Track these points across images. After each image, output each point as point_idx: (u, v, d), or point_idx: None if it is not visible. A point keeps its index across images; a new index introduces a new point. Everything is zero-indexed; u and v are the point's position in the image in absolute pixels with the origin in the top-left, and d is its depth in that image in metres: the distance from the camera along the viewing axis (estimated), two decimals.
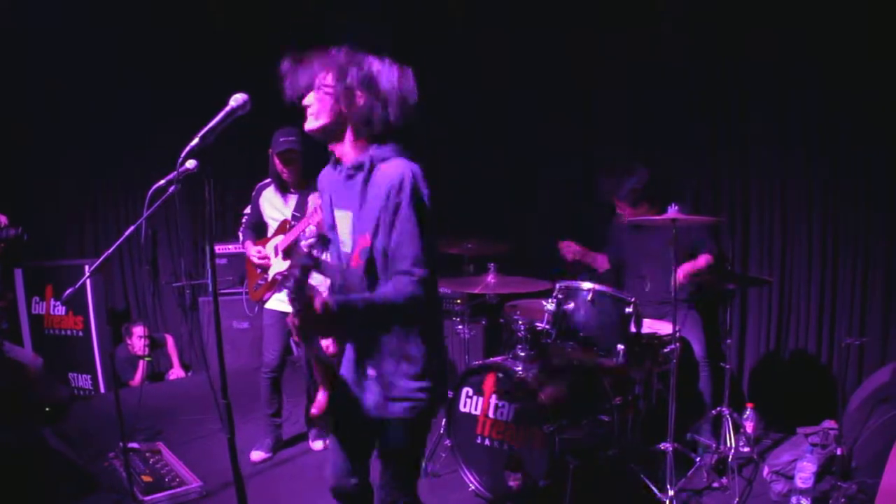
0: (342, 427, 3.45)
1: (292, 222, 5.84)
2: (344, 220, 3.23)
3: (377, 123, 3.03)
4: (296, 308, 2.70)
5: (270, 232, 6.01)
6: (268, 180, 5.99)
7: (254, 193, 6.13)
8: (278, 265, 5.89)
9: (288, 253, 5.85)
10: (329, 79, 3.03)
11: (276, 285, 5.96)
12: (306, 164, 5.77)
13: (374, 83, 3.01)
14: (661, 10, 6.86)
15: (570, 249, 6.35)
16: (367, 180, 3.06)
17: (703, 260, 5.86)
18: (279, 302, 6.00)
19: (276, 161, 5.75)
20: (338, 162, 3.21)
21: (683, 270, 5.78)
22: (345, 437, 3.49)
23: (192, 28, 8.98)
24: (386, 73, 3.03)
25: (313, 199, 5.78)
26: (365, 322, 3.04)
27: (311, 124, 3.10)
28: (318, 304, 2.70)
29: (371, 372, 3.22)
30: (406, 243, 2.96)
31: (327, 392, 3.27)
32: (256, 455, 6.05)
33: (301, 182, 5.87)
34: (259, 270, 6.03)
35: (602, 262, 6.51)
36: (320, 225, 5.48)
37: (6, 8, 7.84)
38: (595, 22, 7.39)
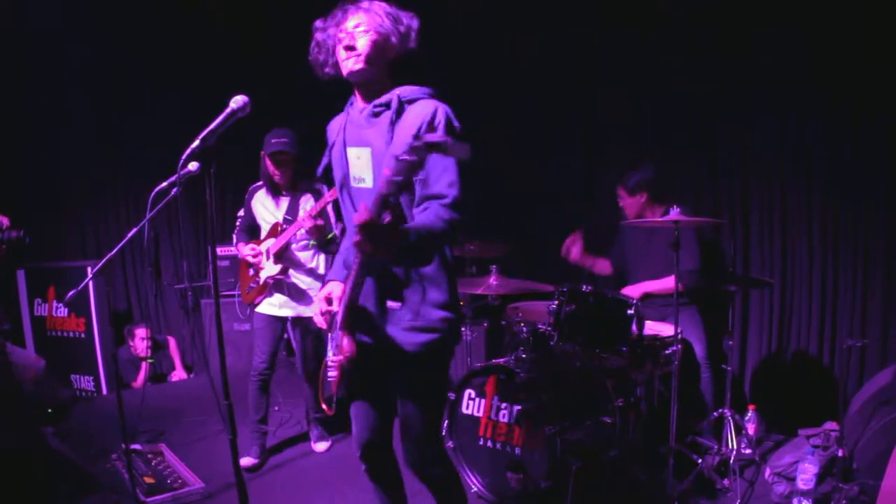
0: (366, 374, 3.47)
1: (283, 225, 5.79)
2: (362, 157, 3.33)
3: (404, 60, 3.28)
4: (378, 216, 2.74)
5: (263, 234, 5.98)
6: (260, 182, 5.95)
7: (247, 195, 6.09)
8: (270, 268, 5.83)
9: (279, 256, 5.80)
10: (383, 19, 3.21)
11: (267, 289, 5.92)
12: (298, 166, 5.76)
13: (402, 24, 3.27)
14: (661, 11, 6.85)
15: (575, 248, 6.34)
16: (396, 118, 3.21)
17: (667, 282, 5.84)
18: (270, 306, 5.96)
19: (268, 163, 5.72)
20: (358, 104, 3.40)
21: (641, 288, 5.84)
22: (369, 385, 3.55)
23: (193, 28, 8.99)
24: (405, 14, 3.30)
25: (305, 202, 5.78)
26: (423, 245, 3.12)
27: (358, 66, 3.21)
28: (393, 225, 2.79)
29: (394, 304, 3.29)
30: (440, 169, 3.11)
31: (352, 338, 3.25)
32: (246, 461, 5.98)
33: (293, 184, 5.85)
34: (251, 272, 5.99)
35: (603, 267, 6.51)
36: (315, 230, 5.51)
37: (6, 8, 7.85)
38: (596, 22, 7.40)
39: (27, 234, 5.08)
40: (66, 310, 8.64)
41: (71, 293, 4.72)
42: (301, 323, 6.00)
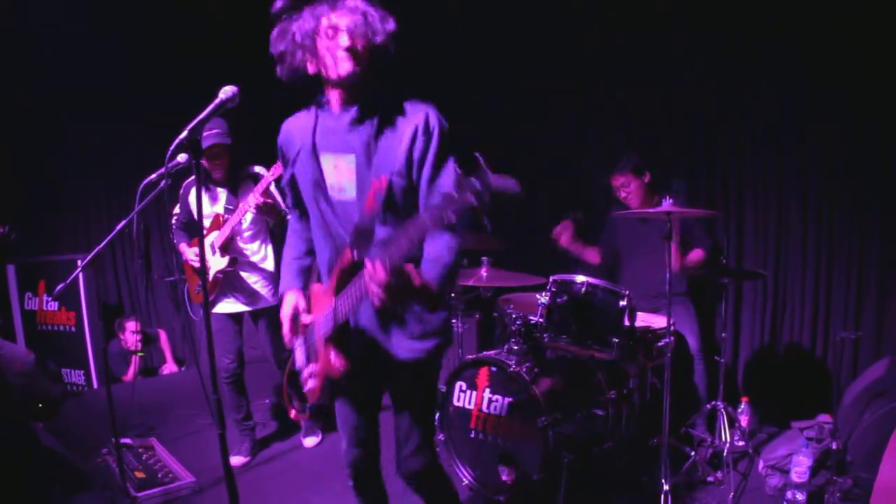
0: (355, 387, 3.42)
1: (225, 216, 5.63)
2: (341, 166, 3.16)
3: (388, 61, 3.11)
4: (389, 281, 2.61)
5: (204, 231, 5.75)
6: (193, 177, 5.57)
7: (181, 192, 5.88)
8: (216, 263, 5.66)
9: (225, 248, 5.65)
10: (372, 19, 3.04)
11: (217, 285, 5.75)
12: (234, 156, 5.64)
13: (388, 25, 3.08)
14: (660, 11, 6.83)
15: (565, 235, 6.33)
16: (380, 124, 3.07)
17: (696, 254, 5.85)
18: (228, 304, 5.85)
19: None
20: (332, 109, 3.18)
21: (678, 262, 5.79)
22: (358, 398, 3.49)
23: (191, 27, 8.95)
24: (387, 16, 3.10)
25: (246, 190, 5.54)
26: (447, 282, 3.05)
27: (351, 67, 3.00)
28: (416, 280, 2.71)
29: (396, 316, 3.22)
30: (444, 174, 3.03)
31: (339, 353, 3.14)
32: (236, 460, 5.94)
33: (229, 176, 5.71)
34: (198, 272, 5.82)
35: (592, 256, 6.49)
36: (268, 208, 5.37)
37: (5, 8, 7.82)
38: (593, 21, 7.38)
39: (13, 231, 5.05)
40: (57, 304, 8.63)
41: (59, 286, 4.70)
42: (262, 315, 5.90)
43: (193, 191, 5.74)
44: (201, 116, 2.79)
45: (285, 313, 3.36)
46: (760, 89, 6.42)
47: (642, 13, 6.97)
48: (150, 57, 8.85)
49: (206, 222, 5.74)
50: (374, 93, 3.10)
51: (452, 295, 6.15)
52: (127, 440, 6.02)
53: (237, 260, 5.71)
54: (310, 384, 3.27)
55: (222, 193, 5.73)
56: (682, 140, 7.01)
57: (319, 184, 3.20)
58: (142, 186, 4.14)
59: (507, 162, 7.17)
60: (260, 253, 5.88)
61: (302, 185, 3.31)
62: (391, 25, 3.08)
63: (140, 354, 8.74)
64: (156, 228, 9.62)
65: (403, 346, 3.22)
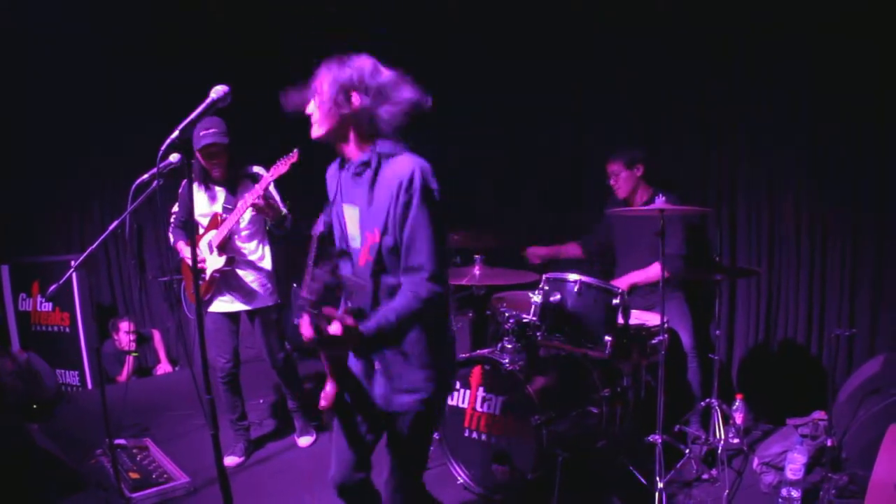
0: (350, 420, 3.46)
1: (223, 215, 5.60)
2: (353, 216, 3.25)
3: (378, 122, 3.07)
4: (315, 331, 2.77)
5: (202, 230, 5.76)
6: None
7: (180, 190, 5.83)
8: (214, 262, 5.65)
9: (223, 247, 5.63)
10: (325, 86, 3.06)
11: (214, 284, 5.75)
12: (232, 156, 5.58)
13: (368, 82, 3.05)
14: (659, 11, 6.83)
15: (535, 255, 6.39)
16: (374, 177, 3.09)
17: (652, 271, 5.82)
18: (223, 304, 5.83)
19: (199, 157, 5.44)
20: (345, 161, 3.26)
21: (628, 280, 5.82)
22: (352, 431, 3.50)
23: (190, 27, 8.93)
24: (380, 71, 3.09)
25: (245, 190, 5.52)
26: (390, 338, 3.07)
27: (315, 132, 3.13)
28: (333, 329, 2.79)
29: (377, 365, 3.27)
30: (418, 239, 2.99)
31: (336, 384, 3.25)
32: (230, 460, 5.93)
33: (228, 175, 5.66)
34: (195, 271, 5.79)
35: (573, 251, 6.50)
36: (269, 208, 5.37)
37: (4, 7, 7.80)
38: (592, 21, 7.39)
39: None
40: (51, 304, 8.61)
41: (52, 287, 4.69)
42: (258, 315, 5.91)
43: (193, 189, 5.72)
44: (192, 116, 2.80)
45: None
46: (755, 88, 6.42)
47: (641, 13, 6.97)
48: (141, 53, 8.85)
49: (205, 221, 5.72)
50: (375, 145, 3.11)
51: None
52: (121, 441, 6.02)
53: (234, 259, 5.70)
54: (321, 404, 3.34)
55: (221, 192, 5.70)
56: (676, 138, 7.01)
57: (343, 231, 3.34)
58: (134, 186, 4.11)
59: (506, 160, 7.21)
60: (257, 252, 5.86)
61: (335, 228, 3.42)
62: (374, 87, 3.06)
63: (134, 355, 8.73)
64: (149, 229, 9.59)
65: (381, 394, 3.29)
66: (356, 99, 3.03)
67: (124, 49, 8.80)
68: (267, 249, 5.92)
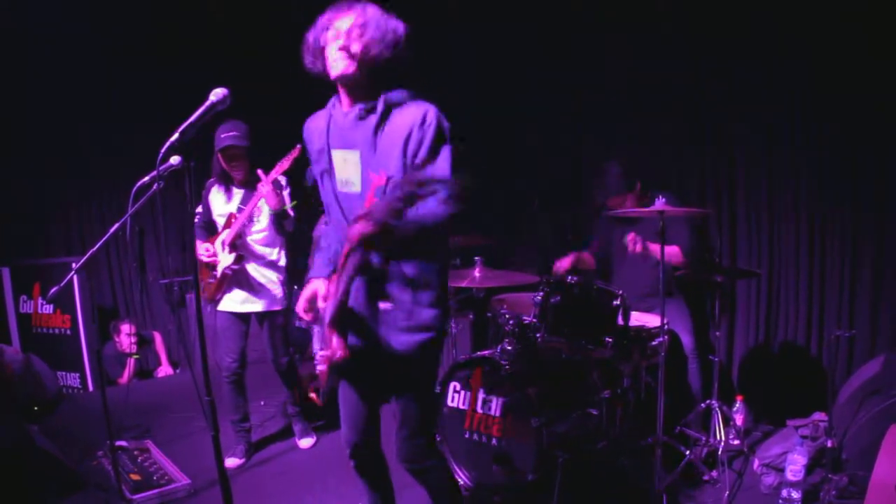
0: (356, 375, 3.52)
1: (237, 215, 5.68)
2: (349, 160, 3.31)
3: (391, 67, 3.20)
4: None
5: (219, 229, 5.84)
6: (215, 178, 5.83)
7: (204, 192, 5.95)
8: (225, 260, 5.70)
9: (234, 246, 5.68)
10: (366, 23, 3.13)
11: (226, 281, 5.79)
12: (253, 160, 5.64)
13: (393, 30, 3.19)
14: (658, 11, 6.84)
15: (563, 266, 6.34)
16: (381, 122, 3.20)
17: (669, 249, 5.82)
18: (232, 302, 5.86)
19: (220, 158, 5.61)
20: (342, 107, 3.34)
21: (641, 244, 5.77)
22: (359, 385, 3.57)
23: (189, 27, 8.94)
24: (392, 19, 3.22)
25: (263, 188, 5.60)
26: (412, 235, 3.10)
27: (342, 68, 3.15)
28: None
29: (384, 306, 3.30)
30: (435, 167, 3.10)
31: (340, 337, 3.20)
32: (231, 462, 5.95)
33: (249, 178, 5.70)
34: (207, 268, 5.86)
35: (587, 258, 6.50)
36: (274, 195, 5.40)
37: (4, 8, 7.81)
38: (592, 21, 7.40)
39: None
40: (52, 307, 8.62)
41: (53, 289, 4.68)
42: (267, 318, 5.94)
43: (214, 190, 5.86)
44: (192, 119, 2.82)
45: (304, 294, 3.46)
46: (753, 89, 6.42)
47: (640, 14, 6.97)
48: (147, 58, 8.86)
49: (221, 221, 5.81)
50: (381, 92, 3.20)
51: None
52: (122, 442, 6.02)
53: (243, 257, 5.75)
54: (319, 368, 3.37)
55: (238, 193, 5.79)
56: (676, 139, 7.01)
57: (331, 177, 3.38)
58: (135, 189, 4.12)
59: (505, 161, 7.23)
60: (273, 254, 5.92)
61: (319, 178, 3.47)
62: (397, 29, 3.19)
63: (135, 357, 8.73)
64: (150, 231, 9.61)
65: (394, 337, 3.30)
66: (389, 44, 3.15)
67: (124, 49, 8.81)
68: (283, 253, 5.97)
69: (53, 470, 5.39)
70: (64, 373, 8.67)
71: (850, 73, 5.81)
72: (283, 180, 5.64)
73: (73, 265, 4.73)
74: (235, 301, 5.85)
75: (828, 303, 6.27)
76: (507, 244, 6.69)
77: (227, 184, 5.77)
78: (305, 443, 6.29)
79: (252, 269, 5.82)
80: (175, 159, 3.74)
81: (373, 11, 3.17)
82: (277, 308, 5.94)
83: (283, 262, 5.94)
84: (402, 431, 3.49)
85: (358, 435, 3.62)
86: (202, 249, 5.77)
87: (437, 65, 7.71)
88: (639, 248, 5.59)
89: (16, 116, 8.62)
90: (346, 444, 3.66)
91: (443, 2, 8.20)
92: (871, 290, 6.01)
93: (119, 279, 9.69)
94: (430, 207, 2.99)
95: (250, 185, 5.70)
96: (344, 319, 3.21)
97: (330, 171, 3.38)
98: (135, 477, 5.45)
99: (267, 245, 5.87)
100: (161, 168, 3.13)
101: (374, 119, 3.19)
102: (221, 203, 5.81)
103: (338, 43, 3.11)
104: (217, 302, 5.90)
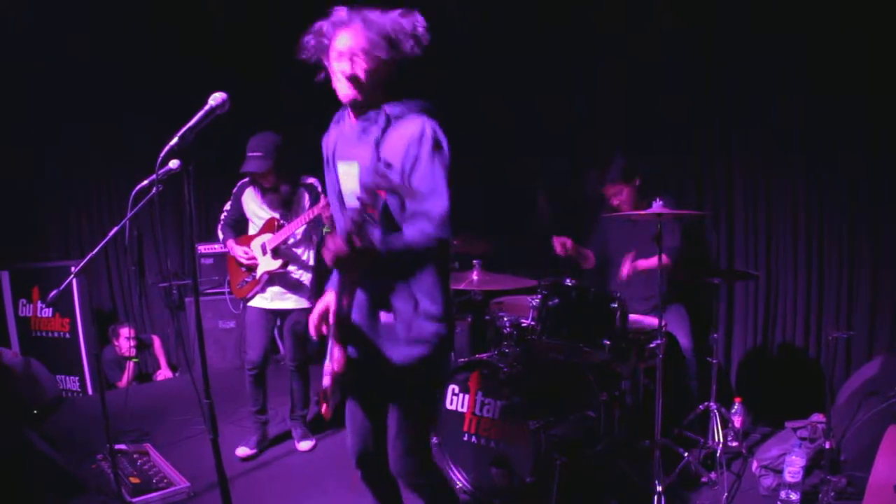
0: (359, 387, 3.50)
1: (281, 221, 5.84)
2: (350, 173, 3.29)
3: (397, 74, 3.18)
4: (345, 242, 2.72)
5: (253, 229, 6.04)
6: (248, 178, 6.01)
7: (235, 190, 6.14)
8: (266, 263, 5.90)
9: (276, 252, 5.87)
10: (367, 44, 3.08)
11: (261, 283, 5.96)
12: (280, 166, 5.76)
13: (399, 38, 3.13)
14: (658, 12, 6.84)
15: (562, 244, 6.32)
16: (382, 135, 3.15)
17: (655, 259, 5.83)
18: (263, 299, 6.03)
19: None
20: (348, 120, 3.33)
21: (629, 267, 5.80)
22: (363, 398, 3.55)
23: (189, 29, 8.97)
24: (393, 20, 3.14)
25: (300, 198, 5.78)
26: (397, 262, 3.08)
27: (350, 97, 3.14)
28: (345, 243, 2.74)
29: (386, 318, 3.27)
30: (430, 183, 3.05)
31: (341, 348, 3.23)
32: (242, 451, 6.05)
33: (279, 183, 5.86)
34: (243, 269, 6.02)
35: (590, 256, 6.50)
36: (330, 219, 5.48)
37: (4, 9, 7.81)
38: (591, 21, 7.42)
39: None
40: (51, 310, 8.61)
41: (53, 293, 4.69)
42: (290, 316, 6.08)
43: (248, 191, 6.04)
44: (191, 124, 2.82)
45: (318, 308, 3.44)
46: (751, 90, 6.43)
47: (639, 13, 6.98)
48: (139, 57, 8.88)
49: (257, 220, 6.02)
50: (385, 100, 3.18)
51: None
52: (121, 446, 6.02)
53: (288, 263, 5.96)
54: (325, 381, 3.35)
55: (272, 196, 5.93)
56: (673, 141, 7.01)
57: (338, 189, 3.38)
58: (134, 192, 4.13)
59: (503, 163, 7.22)
60: (304, 256, 6.10)
61: (329, 189, 3.48)
62: (403, 34, 3.13)
63: (134, 360, 8.73)
64: (148, 234, 9.61)
65: (394, 349, 3.27)
66: (393, 57, 3.12)
67: (124, 52, 8.81)
68: (311, 253, 6.14)
69: (53, 473, 5.39)
70: (63, 376, 8.65)
71: (847, 74, 5.82)
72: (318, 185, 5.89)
73: (73, 269, 4.74)
74: (266, 298, 6.03)
75: (826, 304, 6.28)
76: (505, 248, 6.67)
77: (263, 188, 5.92)
78: (305, 445, 6.29)
79: (290, 268, 6.02)
80: (174, 163, 3.76)
81: (372, 22, 3.10)
82: (302, 307, 6.07)
83: (311, 262, 6.11)
84: (397, 446, 3.44)
85: (364, 447, 3.61)
86: (240, 252, 5.97)
87: (436, 65, 7.75)
88: (625, 272, 5.64)
89: (15, 118, 8.62)
90: (352, 454, 3.65)
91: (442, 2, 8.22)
92: (868, 291, 6.02)
93: (118, 283, 9.67)
94: (416, 232, 3.00)
95: (283, 190, 5.87)
96: (344, 333, 3.22)
97: (336, 184, 3.38)
98: (134, 480, 5.45)
99: (300, 247, 6.06)
100: (160, 172, 3.13)
101: (374, 133, 3.17)
102: (255, 205, 5.99)
103: (342, 68, 3.09)
104: (248, 300, 6.09)
